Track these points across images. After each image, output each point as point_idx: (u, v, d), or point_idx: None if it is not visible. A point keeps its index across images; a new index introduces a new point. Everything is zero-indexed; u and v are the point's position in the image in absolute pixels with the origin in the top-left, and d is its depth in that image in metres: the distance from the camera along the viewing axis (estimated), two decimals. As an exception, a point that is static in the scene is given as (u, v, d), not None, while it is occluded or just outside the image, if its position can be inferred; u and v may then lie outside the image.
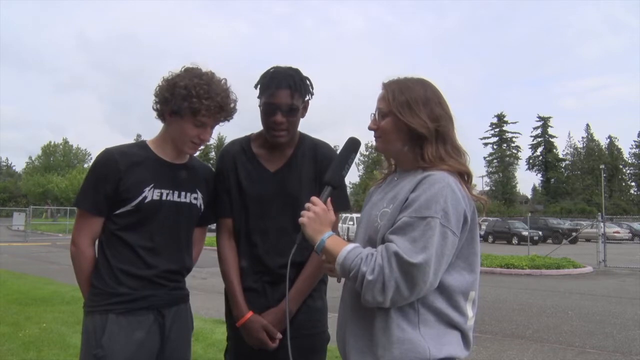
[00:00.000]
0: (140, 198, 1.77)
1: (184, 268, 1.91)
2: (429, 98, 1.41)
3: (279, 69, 1.89)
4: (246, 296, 1.88)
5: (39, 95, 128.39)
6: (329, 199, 1.48)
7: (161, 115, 1.85)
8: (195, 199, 1.90)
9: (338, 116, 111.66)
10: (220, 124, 1.88)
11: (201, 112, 1.74)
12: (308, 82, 1.92)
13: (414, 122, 1.37)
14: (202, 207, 1.93)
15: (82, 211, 1.81)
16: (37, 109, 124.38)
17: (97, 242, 1.84)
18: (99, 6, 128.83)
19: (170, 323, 1.83)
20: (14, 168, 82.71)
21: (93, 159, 1.82)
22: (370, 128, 1.48)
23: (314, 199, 1.43)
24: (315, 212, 1.40)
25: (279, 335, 1.82)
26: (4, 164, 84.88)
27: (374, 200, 1.49)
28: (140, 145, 1.89)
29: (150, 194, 1.79)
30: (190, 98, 1.73)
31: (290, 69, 1.89)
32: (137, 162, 1.80)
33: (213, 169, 2.06)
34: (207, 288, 9.03)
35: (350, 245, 1.34)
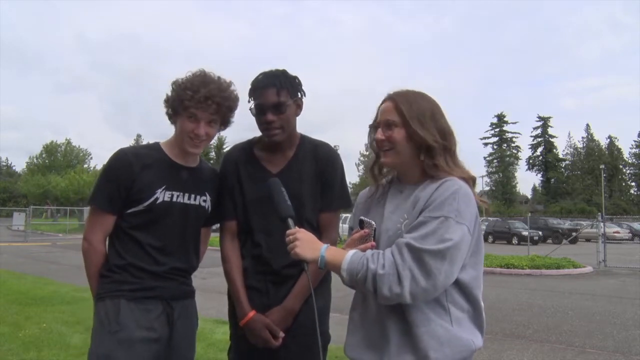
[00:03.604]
0: (152, 199, 1.82)
1: (191, 267, 1.97)
2: (435, 112, 1.46)
3: (264, 72, 1.94)
4: (248, 294, 1.90)
5: (39, 95, 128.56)
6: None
7: (170, 118, 1.91)
8: (204, 201, 1.95)
9: (338, 116, 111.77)
10: (221, 122, 1.89)
11: (186, 104, 1.79)
12: (297, 81, 1.95)
13: (426, 135, 1.42)
14: (210, 209, 1.98)
15: (95, 208, 1.85)
16: (37, 109, 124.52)
17: (107, 238, 1.89)
18: (99, 6, 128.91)
19: (177, 315, 1.87)
20: (14, 168, 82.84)
21: (107, 159, 1.89)
22: (378, 139, 1.47)
23: (289, 231, 1.45)
24: (298, 237, 1.41)
25: (282, 334, 1.84)
26: (4, 164, 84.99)
27: (387, 215, 1.47)
28: (154, 147, 1.94)
29: (162, 195, 1.84)
30: (179, 93, 1.81)
31: (276, 70, 1.94)
32: (150, 164, 1.85)
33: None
34: (207, 288, 9.01)
35: (352, 251, 1.36)
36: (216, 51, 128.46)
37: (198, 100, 1.79)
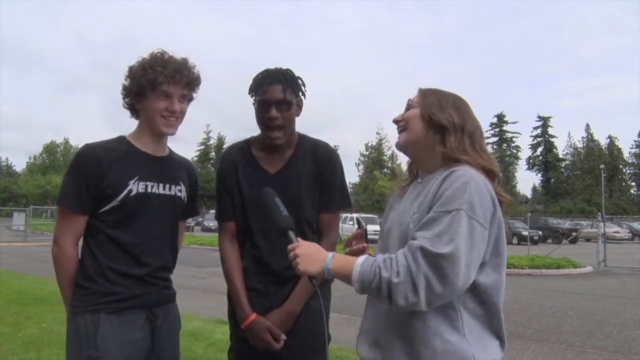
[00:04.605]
0: (125, 192, 1.73)
1: (171, 263, 1.90)
2: (460, 106, 1.42)
3: (269, 69, 1.92)
4: (249, 296, 1.88)
5: (39, 95, 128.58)
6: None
7: (132, 108, 1.85)
8: (180, 191, 1.88)
9: (339, 116, 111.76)
10: (189, 97, 1.86)
11: (158, 80, 1.74)
12: (300, 81, 1.93)
13: (439, 115, 1.37)
14: (186, 199, 1.92)
15: (65, 209, 1.75)
16: (38, 109, 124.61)
17: (81, 242, 1.80)
18: (100, 6, 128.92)
19: (160, 322, 1.80)
20: (14, 168, 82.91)
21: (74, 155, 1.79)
22: (394, 120, 1.47)
23: (289, 247, 1.37)
24: (299, 252, 1.33)
25: (283, 337, 1.82)
26: (4, 164, 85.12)
27: (402, 209, 1.43)
28: (120, 139, 1.85)
29: (136, 187, 1.75)
30: (145, 72, 1.75)
31: (280, 68, 1.92)
32: (119, 157, 1.77)
33: (212, 168, 2.07)
34: (207, 288, 9.05)
35: (361, 258, 1.28)
36: (216, 51, 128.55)
37: (169, 75, 1.74)
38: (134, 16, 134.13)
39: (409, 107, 1.47)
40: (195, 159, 78.64)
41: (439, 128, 1.37)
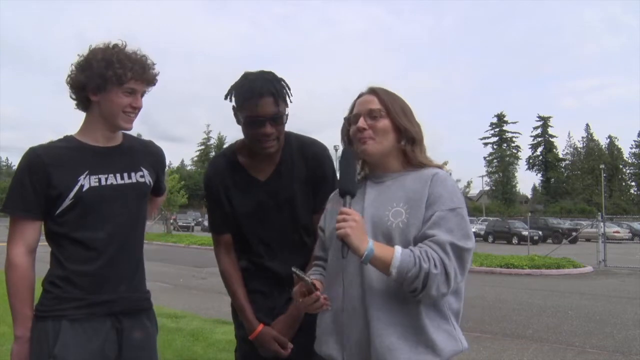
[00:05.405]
0: (76, 188, 1.63)
1: (141, 256, 1.81)
2: (410, 109, 1.54)
3: (253, 77, 1.76)
4: (252, 298, 1.85)
5: (40, 95, 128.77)
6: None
7: (83, 100, 1.73)
8: (142, 176, 1.78)
9: (339, 116, 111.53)
10: (147, 90, 1.79)
11: (127, 76, 1.66)
12: (284, 83, 1.80)
13: (411, 129, 1.47)
14: (152, 183, 1.83)
15: (11, 216, 1.65)
16: (38, 109, 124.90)
17: (50, 250, 1.72)
18: (100, 6, 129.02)
19: (129, 330, 1.69)
20: (14, 168, 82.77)
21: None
22: (360, 128, 1.44)
23: (345, 209, 1.33)
24: (356, 220, 1.30)
25: (290, 345, 1.80)
26: (4, 164, 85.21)
27: (368, 203, 1.45)
28: (66, 138, 1.76)
29: (87, 181, 1.65)
30: (112, 66, 1.64)
31: (264, 73, 1.77)
32: (64, 154, 1.67)
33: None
34: (207, 288, 9.05)
35: (399, 247, 1.30)
36: (217, 51, 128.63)
37: (138, 72, 1.68)
38: (134, 16, 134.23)
39: (377, 114, 1.45)
40: (196, 159, 78.97)
41: (409, 139, 1.47)
